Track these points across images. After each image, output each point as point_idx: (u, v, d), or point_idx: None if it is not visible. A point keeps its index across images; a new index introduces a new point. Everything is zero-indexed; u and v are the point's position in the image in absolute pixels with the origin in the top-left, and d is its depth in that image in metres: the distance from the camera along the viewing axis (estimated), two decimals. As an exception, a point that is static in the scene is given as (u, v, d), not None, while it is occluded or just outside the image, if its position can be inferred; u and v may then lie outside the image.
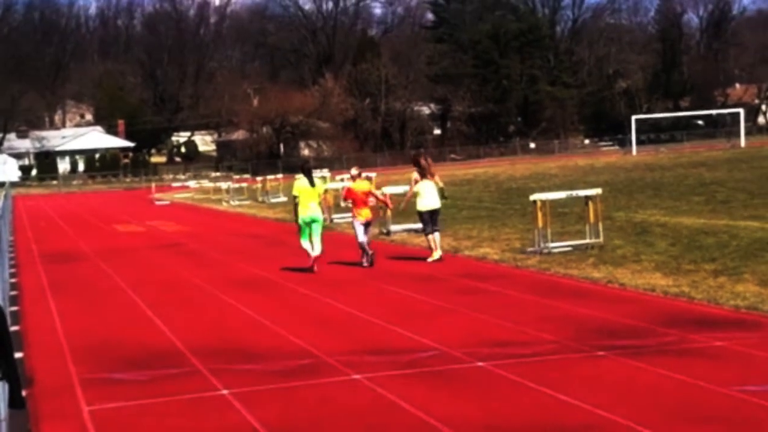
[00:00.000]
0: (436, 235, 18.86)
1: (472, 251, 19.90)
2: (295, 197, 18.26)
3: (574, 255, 17.94)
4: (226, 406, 8.81)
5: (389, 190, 25.00)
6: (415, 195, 19.16)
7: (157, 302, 15.31)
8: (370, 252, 18.45)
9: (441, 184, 19.87)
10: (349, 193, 19.02)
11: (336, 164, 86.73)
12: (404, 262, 18.85)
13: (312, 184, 18.13)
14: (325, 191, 25.77)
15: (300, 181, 18.25)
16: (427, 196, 18.90)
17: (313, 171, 20.95)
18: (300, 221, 18.15)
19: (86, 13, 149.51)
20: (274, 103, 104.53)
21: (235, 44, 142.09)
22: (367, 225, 18.69)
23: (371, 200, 19.22)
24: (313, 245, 18.01)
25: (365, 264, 18.31)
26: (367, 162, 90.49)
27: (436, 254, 18.61)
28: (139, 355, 11.24)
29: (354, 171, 19.84)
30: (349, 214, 20.43)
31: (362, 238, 18.54)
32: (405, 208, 20.85)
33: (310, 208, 18.05)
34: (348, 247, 19.05)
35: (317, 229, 18.16)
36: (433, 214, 18.85)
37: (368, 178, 32.12)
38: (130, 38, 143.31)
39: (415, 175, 19.24)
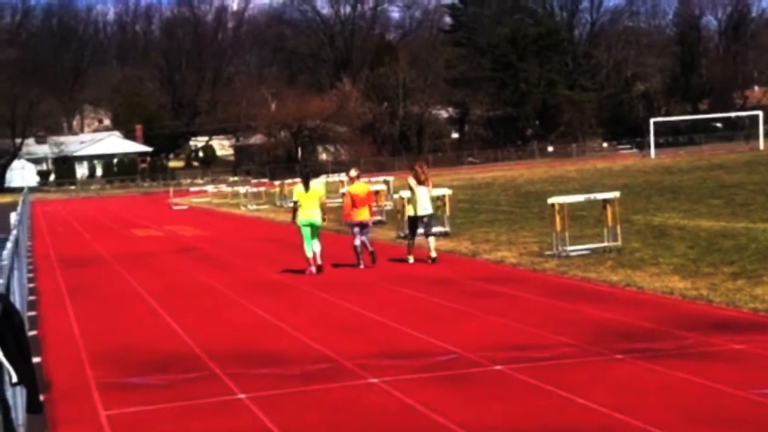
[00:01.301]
0: (431, 238, 19.38)
1: (489, 255, 19.88)
2: (295, 202, 18.82)
3: (592, 258, 17.89)
4: (243, 411, 8.81)
5: (405, 194, 24.98)
6: (409, 200, 19.73)
7: (174, 306, 15.34)
8: (370, 249, 18.84)
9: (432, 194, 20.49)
10: (349, 198, 19.24)
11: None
12: (422, 265, 18.82)
13: (307, 189, 18.52)
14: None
15: (298, 186, 18.87)
16: (422, 202, 19.32)
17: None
18: (299, 223, 18.64)
19: (104, 19, 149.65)
20: (292, 107, 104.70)
21: (252, 49, 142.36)
22: (363, 226, 18.92)
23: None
24: (312, 246, 18.42)
25: (361, 266, 18.70)
26: (384, 166, 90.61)
27: (411, 258, 19.21)
28: (156, 359, 11.25)
29: (353, 173, 20.03)
30: None
31: (356, 241, 18.94)
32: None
33: (308, 212, 18.56)
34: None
35: (315, 232, 18.60)
36: (423, 219, 19.35)
37: (385, 182, 32.13)
38: (148, 43, 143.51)
39: (412, 181, 19.47)
